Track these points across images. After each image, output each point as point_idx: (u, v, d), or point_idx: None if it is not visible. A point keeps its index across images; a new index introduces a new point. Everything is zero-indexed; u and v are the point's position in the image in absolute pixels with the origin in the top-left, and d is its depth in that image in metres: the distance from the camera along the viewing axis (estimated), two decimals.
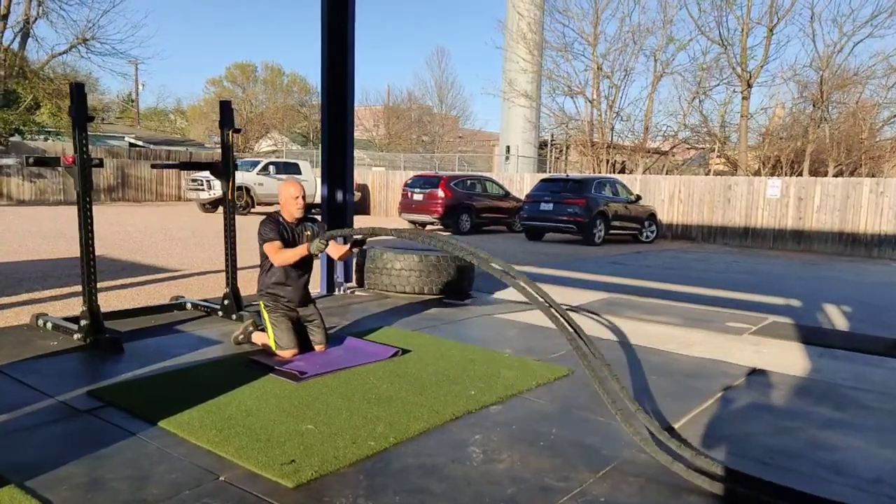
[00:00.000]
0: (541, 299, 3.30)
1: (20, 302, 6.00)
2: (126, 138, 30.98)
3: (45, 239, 11.20)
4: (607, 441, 3.09)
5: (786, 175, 21.89)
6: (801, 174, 22.35)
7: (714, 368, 4.48)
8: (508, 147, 28.67)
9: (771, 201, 16.21)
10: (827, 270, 11.55)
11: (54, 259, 8.73)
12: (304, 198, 4.42)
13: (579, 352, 3.18)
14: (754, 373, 4.41)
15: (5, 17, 26.99)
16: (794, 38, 55.77)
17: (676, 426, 3.34)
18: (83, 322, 4.49)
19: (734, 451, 3.05)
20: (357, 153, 31.19)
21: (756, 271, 10.93)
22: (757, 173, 22.84)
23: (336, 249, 4.52)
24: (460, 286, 6.95)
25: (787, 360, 4.78)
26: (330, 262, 6.92)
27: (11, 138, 23.27)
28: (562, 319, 3.27)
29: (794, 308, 7.25)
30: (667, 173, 24.80)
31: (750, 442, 3.18)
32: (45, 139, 25.38)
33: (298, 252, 4.25)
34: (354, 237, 4.58)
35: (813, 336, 5.62)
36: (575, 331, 3.34)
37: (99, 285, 4.67)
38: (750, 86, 23.12)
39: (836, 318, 6.87)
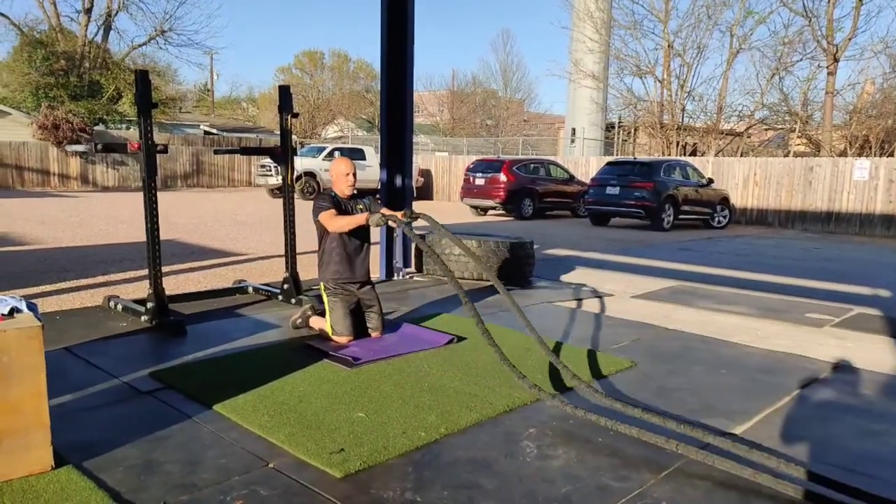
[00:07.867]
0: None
1: (97, 284, 6.28)
2: (201, 126, 32.14)
3: (124, 223, 11.74)
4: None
5: (875, 155, 20.42)
6: (891, 154, 20.79)
7: (791, 363, 4.18)
8: (574, 130, 27.96)
9: (858, 184, 15.14)
10: None
11: (131, 243, 9.10)
12: (354, 175, 4.41)
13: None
14: (836, 369, 4.08)
15: (89, 10, 28.50)
16: (885, 7, 51.64)
17: (746, 426, 3.11)
18: (149, 305, 4.64)
19: (811, 456, 2.81)
20: (421, 138, 31.33)
21: (839, 259, 10.22)
22: (843, 154, 21.41)
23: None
24: (521, 272, 6.79)
25: (875, 355, 4.41)
26: (389, 248, 6.92)
27: (96, 127, 24.56)
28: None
29: (884, 299, 6.71)
30: (741, 155, 23.59)
31: (830, 446, 2.93)
32: (127, 128, 26.64)
33: (355, 220, 4.15)
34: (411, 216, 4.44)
35: None
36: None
37: (169, 269, 4.81)
38: (836, 60, 21.61)
39: None
